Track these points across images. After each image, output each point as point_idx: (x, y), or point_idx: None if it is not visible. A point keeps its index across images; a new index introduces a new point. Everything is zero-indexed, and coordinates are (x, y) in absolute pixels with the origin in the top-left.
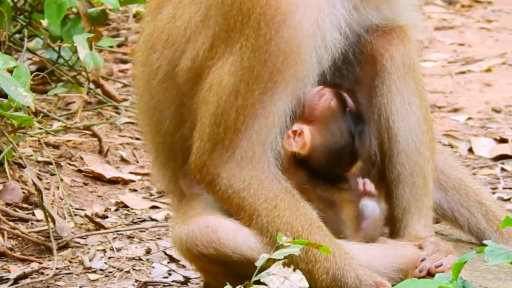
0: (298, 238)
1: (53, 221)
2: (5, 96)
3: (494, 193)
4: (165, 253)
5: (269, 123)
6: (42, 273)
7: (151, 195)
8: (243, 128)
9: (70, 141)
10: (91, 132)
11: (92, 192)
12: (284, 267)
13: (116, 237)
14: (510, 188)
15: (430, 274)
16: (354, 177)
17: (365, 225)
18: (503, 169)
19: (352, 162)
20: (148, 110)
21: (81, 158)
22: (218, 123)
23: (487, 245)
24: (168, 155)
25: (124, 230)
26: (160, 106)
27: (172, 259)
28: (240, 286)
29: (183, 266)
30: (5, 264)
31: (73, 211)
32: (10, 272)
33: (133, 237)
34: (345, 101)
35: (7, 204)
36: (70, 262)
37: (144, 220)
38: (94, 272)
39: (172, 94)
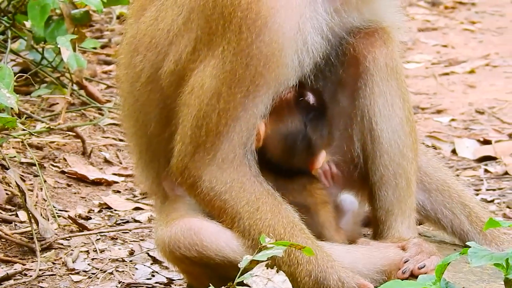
0: (280, 240)
1: (37, 222)
2: None
3: (477, 194)
4: (149, 255)
5: (250, 125)
6: (26, 275)
7: (135, 196)
8: (225, 130)
9: (53, 142)
10: (74, 134)
11: (75, 193)
12: (267, 268)
13: (99, 239)
14: (494, 190)
15: (413, 276)
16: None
17: (345, 221)
18: (486, 171)
19: (308, 152)
20: (133, 112)
21: (65, 159)
22: (200, 126)
23: (470, 247)
24: (151, 156)
25: (108, 232)
26: (145, 109)
27: (155, 261)
28: (223, 287)
29: (166, 268)
30: None
31: (57, 213)
32: None
33: (116, 239)
34: (302, 94)
35: None
36: (53, 263)
37: (128, 222)
38: (77, 273)
39: (156, 97)
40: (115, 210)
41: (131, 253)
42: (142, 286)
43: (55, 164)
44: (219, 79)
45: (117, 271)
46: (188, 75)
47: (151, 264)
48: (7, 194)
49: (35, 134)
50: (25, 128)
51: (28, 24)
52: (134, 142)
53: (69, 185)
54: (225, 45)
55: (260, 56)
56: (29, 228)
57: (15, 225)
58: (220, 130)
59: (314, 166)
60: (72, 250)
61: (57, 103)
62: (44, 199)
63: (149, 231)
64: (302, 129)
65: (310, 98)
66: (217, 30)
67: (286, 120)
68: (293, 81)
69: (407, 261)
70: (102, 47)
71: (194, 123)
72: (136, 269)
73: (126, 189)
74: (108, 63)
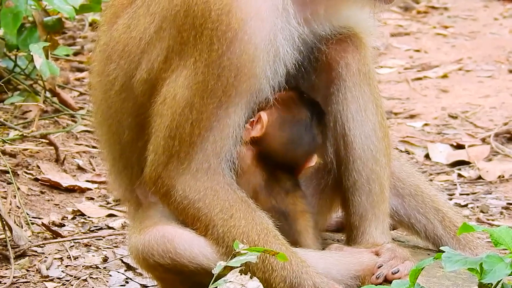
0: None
1: (10, 229)
2: None
3: (451, 199)
4: (122, 261)
5: (224, 135)
6: (0, 282)
7: (108, 203)
8: (199, 140)
9: (26, 149)
10: (47, 141)
11: (49, 200)
12: (241, 274)
13: (73, 246)
14: (467, 194)
15: (387, 281)
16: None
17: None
18: (459, 175)
19: (310, 146)
20: (106, 120)
21: (38, 166)
22: (173, 136)
23: (444, 252)
24: (125, 164)
25: (81, 238)
26: (118, 116)
27: (129, 267)
28: None
29: (140, 274)
30: None
31: (30, 220)
32: None
33: (90, 245)
34: (302, 91)
35: None
36: (27, 270)
37: (101, 228)
38: (52, 280)
39: (129, 105)
40: (88, 217)
41: (105, 260)
42: None
43: (28, 172)
44: (191, 89)
45: (91, 277)
46: (161, 84)
47: (125, 270)
48: None
49: (8, 141)
50: None
51: (0, 31)
52: (107, 149)
53: (42, 192)
54: (197, 56)
55: (232, 68)
56: (3, 236)
57: None
58: (194, 140)
59: (308, 164)
60: (46, 257)
61: (30, 111)
62: (17, 206)
63: (123, 238)
64: (308, 122)
65: (309, 96)
66: (188, 40)
67: (293, 111)
68: (267, 92)
69: (380, 266)
70: (75, 54)
71: (167, 133)
72: (110, 275)
73: (99, 196)
74: (81, 70)
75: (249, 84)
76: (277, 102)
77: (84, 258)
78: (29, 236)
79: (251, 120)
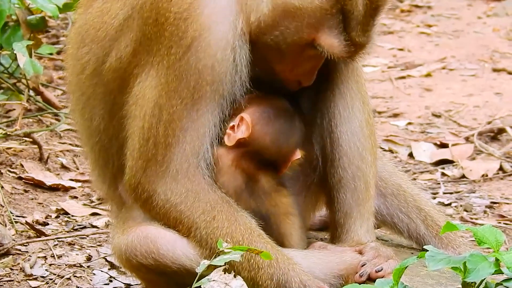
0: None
1: None
2: None
3: (434, 198)
4: (106, 260)
5: (200, 134)
6: None
7: (92, 202)
8: (174, 141)
9: (10, 148)
10: (31, 139)
11: (32, 199)
12: (224, 273)
13: (57, 244)
14: (451, 193)
15: (370, 279)
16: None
17: None
18: (443, 174)
19: (296, 139)
20: (79, 105)
21: (22, 165)
22: (146, 139)
23: (427, 250)
24: (105, 157)
25: (65, 237)
26: (90, 102)
27: (112, 266)
28: None
29: (124, 273)
30: None
31: (14, 218)
32: None
33: (73, 244)
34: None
35: None
36: (11, 269)
37: (85, 227)
38: (35, 279)
39: (100, 90)
40: (72, 216)
41: (89, 258)
42: None
43: (12, 170)
44: (157, 90)
45: (74, 276)
46: (132, 82)
47: (109, 269)
48: None
49: None
50: None
51: None
52: (85, 141)
53: (26, 191)
54: (159, 56)
55: (192, 72)
56: None
57: None
58: (170, 141)
59: (294, 157)
60: (29, 256)
61: (14, 109)
62: (1, 205)
63: (107, 237)
64: (291, 110)
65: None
66: (153, 36)
67: (273, 104)
68: (239, 91)
69: (364, 265)
70: (58, 52)
71: (141, 135)
72: (94, 274)
73: (83, 195)
74: (64, 69)
75: (214, 88)
76: (254, 101)
77: (68, 256)
78: (13, 235)
79: (231, 124)
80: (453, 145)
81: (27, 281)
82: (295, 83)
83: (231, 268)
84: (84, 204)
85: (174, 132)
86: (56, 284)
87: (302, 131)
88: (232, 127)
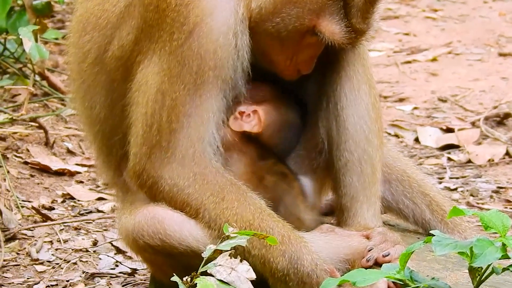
0: (249, 227)
1: (0, 213)
2: None
3: (440, 182)
4: (112, 245)
5: (204, 120)
6: None
7: (98, 186)
8: (179, 127)
9: (16, 133)
10: (37, 124)
11: (38, 184)
12: (230, 258)
13: (63, 229)
14: (457, 178)
15: (377, 264)
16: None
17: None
18: (449, 159)
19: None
20: (80, 93)
21: (28, 150)
22: (150, 125)
23: (434, 235)
24: (109, 148)
25: (71, 222)
26: (91, 90)
27: (119, 251)
28: (187, 277)
29: (130, 258)
30: None
31: (20, 203)
32: None
33: (79, 229)
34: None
35: None
36: (17, 254)
37: (91, 212)
38: (41, 263)
39: (102, 79)
40: (78, 201)
41: (95, 243)
42: (106, 276)
43: (18, 155)
44: (160, 76)
45: (80, 261)
46: (135, 69)
47: (115, 254)
48: None
49: None
50: None
51: None
52: (87, 128)
53: (32, 176)
54: (161, 42)
55: (194, 57)
56: None
57: None
58: (173, 127)
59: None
60: (36, 240)
61: (20, 94)
62: (7, 189)
63: (113, 221)
64: (297, 116)
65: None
66: (154, 23)
67: (288, 106)
68: (243, 76)
69: (371, 250)
70: (64, 37)
71: (145, 122)
72: (100, 259)
73: (89, 179)
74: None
75: (216, 73)
76: (267, 95)
77: (74, 241)
78: (19, 219)
79: (241, 110)
80: (459, 130)
81: (33, 265)
82: (294, 72)
83: (241, 247)
84: (90, 189)
85: (178, 118)
86: (62, 268)
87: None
88: (241, 113)
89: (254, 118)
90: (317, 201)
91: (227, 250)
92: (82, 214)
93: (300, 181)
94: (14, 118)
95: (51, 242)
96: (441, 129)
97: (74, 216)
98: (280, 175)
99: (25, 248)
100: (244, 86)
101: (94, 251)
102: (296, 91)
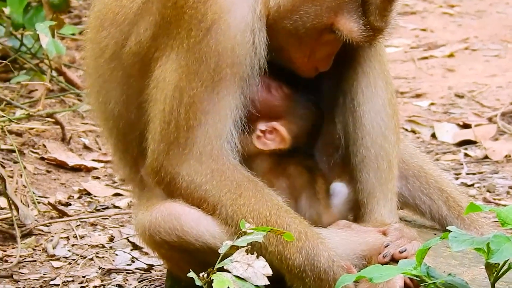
0: (266, 224)
1: (17, 208)
2: None
3: (457, 178)
4: (128, 241)
5: (222, 117)
6: (6, 261)
7: (114, 182)
8: (196, 124)
9: (33, 128)
10: (53, 120)
11: (55, 179)
12: (247, 254)
13: (79, 225)
14: (474, 174)
15: (394, 260)
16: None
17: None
18: (466, 155)
19: (319, 132)
20: (95, 88)
21: (44, 145)
22: (168, 121)
23: (451, 231)
24: (125, 144)
25: (87, 218)
26: (106, 85)
27: (135, 247)
28: (203, 273)
29: (146, 254)
30: None
31: (36, 199)
32: None
33: (96, 225)
34: (293, 80)
35: None
36: (33, 249)
37: (107, 208)
38: (58, 259)
39: (118, 75)
40: (94, 196)
41: (111, 239)
42: (122, 272)
43: (34, 151)
44: (178, 73)
45: (97, 257)
46: (153, 66)
47: (131, 250)
48: None
49: (15, 120)
50: (5, 115)
51: (7, 10)
52: (103, 125)
53: (48, 172)
54: (179, 39)
55: (212, 54)
56: (10, 215)
57: None
58: (191, 124)
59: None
60: (52, 236)
61: (36, 90)
62: (24, 185)
63: (129, 217)
64: (316, 116)
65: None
66: (171, 21)
67: (303, 117)
68: (259, 74)
69: (388, 246)
70: (81, 33)
71: (163, 118)
72: (116, 255)
73: (105, 175)
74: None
75: (234, 70)
76: (282, 108)
77: (90, 237)
78: (36, 215)
79: (261, 129)
80: (476, 125)
81: (50, 261)
82: (312, 70)
83: (258, 243)
84: (107, 185)
85: (195, 115)
86: (78, 264)
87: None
88: (263, 132)
89: (277, 136)
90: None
91: (244, 246)
92: (98, 210)
93: (327, 179)
94: (30, 113)
95: (67, 238)
96: (458, 125)
97: (90, 212)
98: (306, 167)
99: (41, 244)
100: (259, 85)
101: (111, 247)
102: (311, 88)
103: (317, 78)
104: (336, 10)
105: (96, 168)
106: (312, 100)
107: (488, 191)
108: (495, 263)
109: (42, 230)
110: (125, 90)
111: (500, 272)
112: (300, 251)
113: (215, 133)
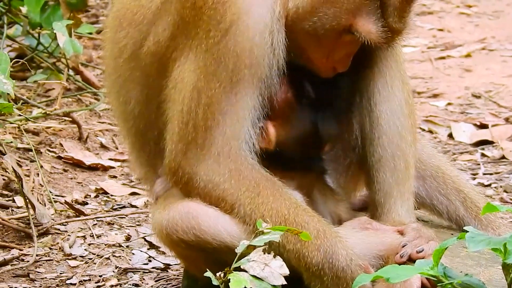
0: (284, 222)
1: (33, 207)
2: None
3: (474, 178)
4: (145, 240)
5: (240, 118)
6: (23, 260)
7: (131, 181)
8: (214, 124)
9: (49, 127)
10: (70, 119)
11: (72, 178)
12: (264, 253)
13: (96, 224)
14: (491, 174)
15: (411, 260)
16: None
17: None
18: (483, 155)
19: (319, 145)
20: (115, 88)
21: (61, 144)
22: (186, 122)
23: (468, 231)
24: (143, 144)
25: (104, 217)
26: (126, 85)
27: (152, 246)
28: (220, 273)
29: (163, 253)
30: None
31: (53, 198)
32: None
33: (113, 224)
34: (303, 90)
35: None
36: (50, 248)
37: (124, 207)
38: (74, 258)
39: (137, 74)
40: (111, 195)
41: (128, 238)
42: (139, 271)
43: (51, 150)
44: (196, 73)
45: (113, 256)
46: (171, 66)
47: (148, 249)
48: (4, 179)
49: (32, 119)
50: (22, 114)
51: (24, 9)
52: (122, 125)
53: (65, 171)
54: (198, 40)
55: (230, 55)
56: (26, 214)
57: (12, 210)
58: (209, 124)
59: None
60: (69, 235)
61: (53, 89)
62: (40, 184)
63: (146, 216)
64: (314, 130)
65: (311, 93)
66: (190, 21)
67: (296, 126)
68: (278, 75)
69: (405, 245)
70: (98, 32)
71: (181, 119)
72: (133, 254)
73: (122, 174)
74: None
75: (252, 71)
76: (279, 111)
77: (107, 236)
78: (52, 214)
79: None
80: (493, 125)
81: (66, 260)
82: (330, 70)
83: (276, 242)
84: (123, 184)
85: (214, 115)
86: (95, 263)
87: (326, 138)
88: (261, 129)
89: (266, 135)
90: (349, 199)
91: (261, 246)
92: (115, 209)
93: (325, 177)
94: (47, 112)
95: (84, 237)
96: (475, 125)
97: (107, 211)
98: (307, 168)
99: (58, 243)
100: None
101: (127, 246)
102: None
103: (334, 77)
104: (355, 11)
105: (113, 167)
106: (312, 118)
107: (505, 191)
108: None
109: (58, 229)
110: (145, 90)
111: None
112: (318, 249)
113: (233, 133)
